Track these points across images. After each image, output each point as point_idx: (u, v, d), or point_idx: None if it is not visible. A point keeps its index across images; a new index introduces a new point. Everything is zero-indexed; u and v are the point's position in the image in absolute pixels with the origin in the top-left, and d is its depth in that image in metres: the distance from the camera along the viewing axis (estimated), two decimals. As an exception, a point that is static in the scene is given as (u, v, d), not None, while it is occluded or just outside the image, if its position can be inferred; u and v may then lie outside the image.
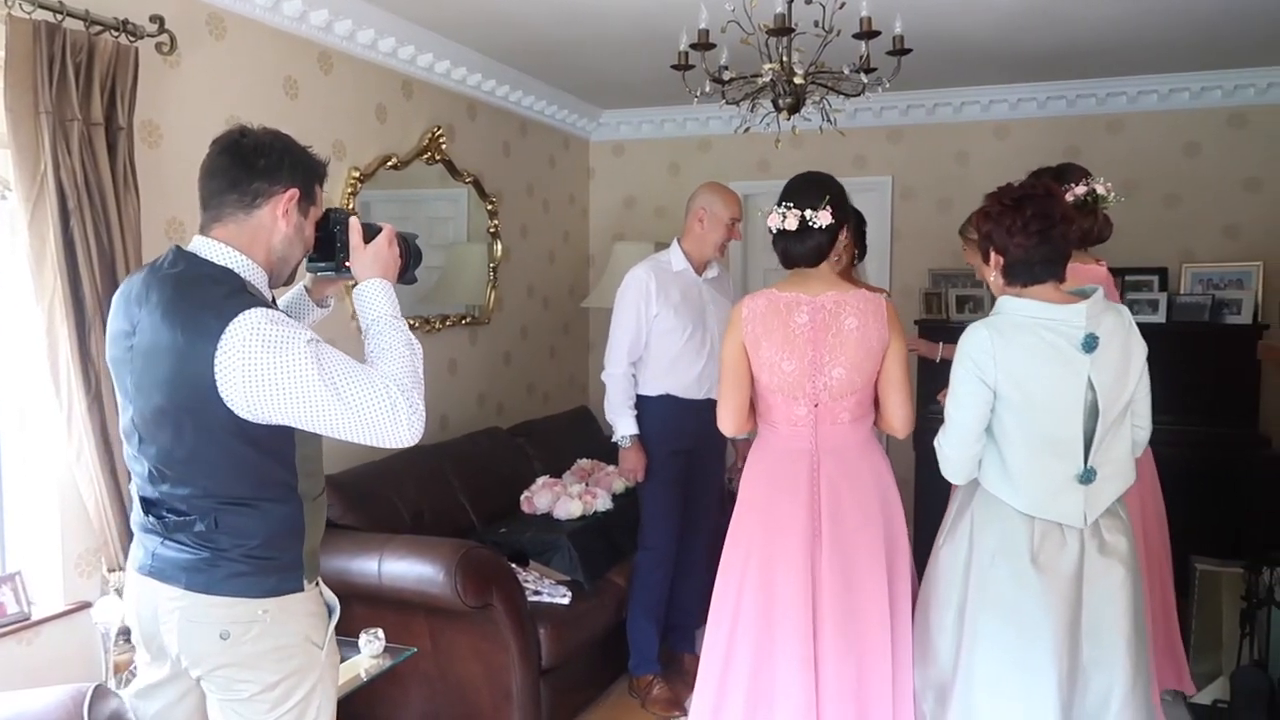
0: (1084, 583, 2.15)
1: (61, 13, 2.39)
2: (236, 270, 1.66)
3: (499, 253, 4.68)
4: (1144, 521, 2.88)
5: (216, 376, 1.54)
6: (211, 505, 1.63)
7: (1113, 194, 2.94)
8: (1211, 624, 3.59)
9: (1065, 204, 2.19)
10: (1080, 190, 2.89)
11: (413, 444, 1.66)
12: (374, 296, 1.77)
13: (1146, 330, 2.25)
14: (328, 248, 1.84)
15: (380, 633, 2.73)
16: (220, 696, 1.71)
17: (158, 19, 2.70)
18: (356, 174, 3.66)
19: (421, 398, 1.67)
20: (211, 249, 1.67)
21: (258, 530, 1.66)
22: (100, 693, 1.87)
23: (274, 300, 1.78)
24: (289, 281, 1.84)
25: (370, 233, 1.84)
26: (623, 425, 3.45)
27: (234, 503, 1.64)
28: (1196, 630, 3.57)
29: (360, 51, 3.68)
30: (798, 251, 2.47)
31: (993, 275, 2.24)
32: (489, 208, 4.60)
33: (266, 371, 1.53)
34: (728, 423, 2.55)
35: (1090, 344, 2.08)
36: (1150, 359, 2.22)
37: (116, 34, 2.53)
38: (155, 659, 1.78)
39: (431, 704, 3.05)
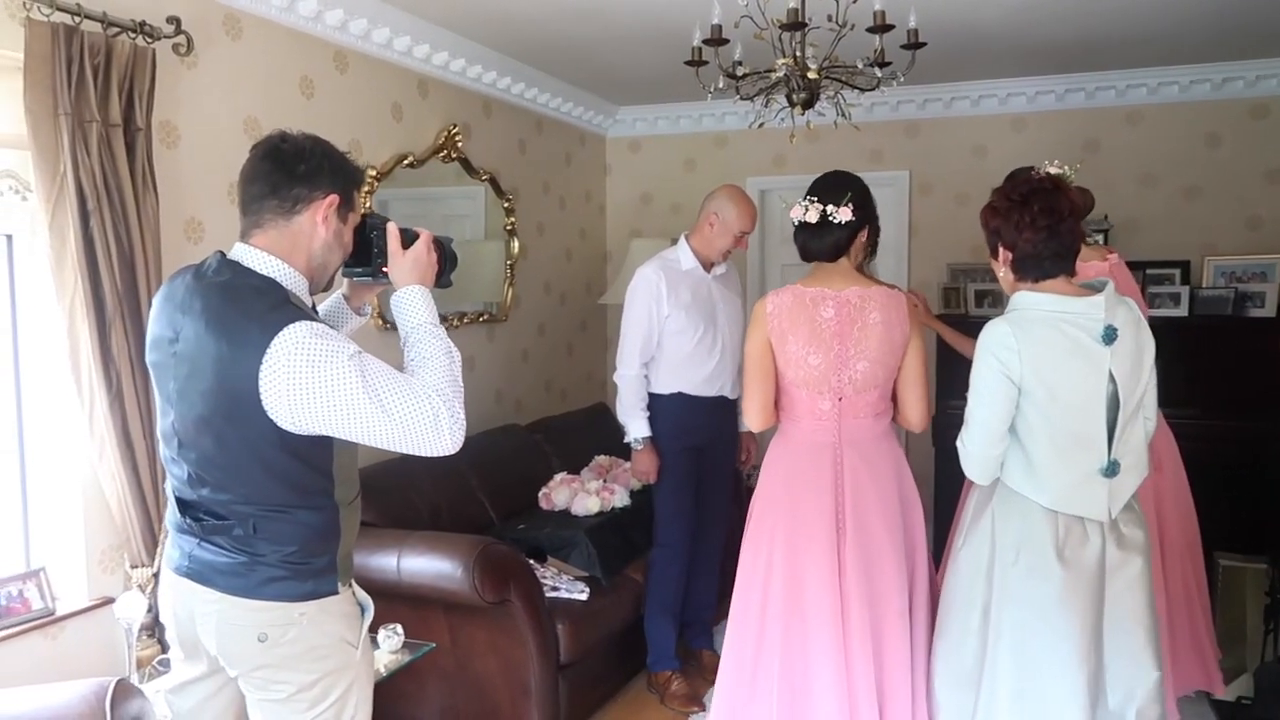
0: (1105, 576, 2.14)
1: (80, 15, 2.41)
2: (280, 280, 1.67)
3: (516, 250, 4.69)
4: (1161, 518, 2.85)
5: (261, 389, 1.55)
6: (250, 511, 1.64)
7: (1067, 168, 2.96)
8: (1235, 620, 3.56)
9: (1074, 198, 2.17)
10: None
11: (454, 453, 1.67)
12: (413, 303, 1.77)
13: (1169, 324, 2.24)
14: (365, 254, 1.84)
15: (399, 628, 2.74)
16: (258, 696, 1.74)
17: (174, 20, 2.72)
18: (373, 173, 3.68)
19: (462, 406, 1.68)
20: (255, 258, 1.68)
21: (295, 536, 1.67)
22: (122, 687, 1.90)
23: (314, 307, 1.78)
24: (327, 287, 1.85)
25: (408, 238, 1.84)
26: (635, 427, 3.45)
27: (273, 510, 1.65)
28: (1220, 626, 3.54)
29: (375, 51, 3.69)
30: (816, 245, 2.51)
31: (1002, 271, 2.23)
32: (505, 205, 4.61)
33: (312, 386, 1.54)
34: (754, 418, 2.58)
35: (1110, 336, 2.07)
36: (1172, 353, 2.21)
37: (134, 36, 2.55)
38: (190, 657, 1.80)
39: (450, 699, 3.06)
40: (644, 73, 4.66)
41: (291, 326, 1.56)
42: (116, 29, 2.51)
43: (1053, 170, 2.86)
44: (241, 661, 1.70)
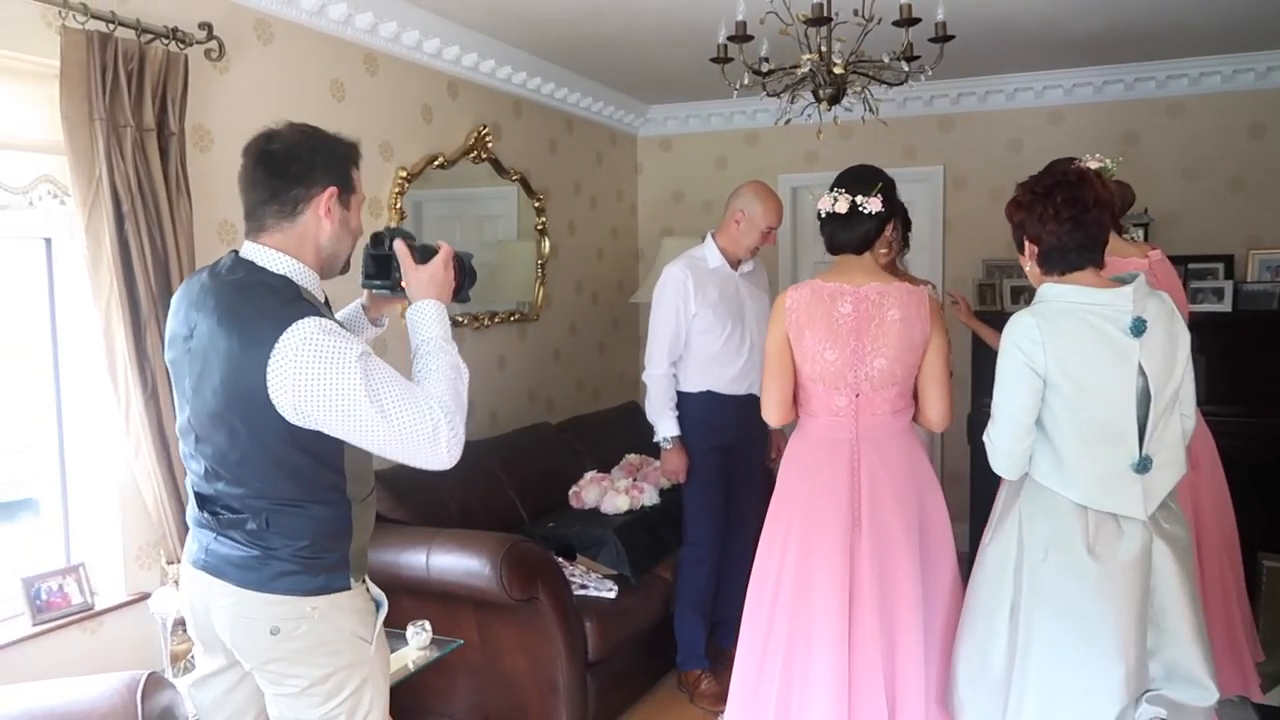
0: (1144, 572, 2.09)
1: (114, 23, 2.46)
2: (291, 277, 1.70)
3: (547, 250, 4.71)
4: (1198, 516, 2.79)
5: (269, 383, 1.57)
6: (263, 506, 1.67)
7: (1109, 161, 2.90)
8: (1279, 622, 3.47)
9: (1099, 189, 2.13)
10: None
11: (448, 468, 1.68)
12: (427, 318, 1.78)
13: (1212, 319, 2.18)
14: (384, 267, 1.87)
15: (427, 624, 2.77)
16: (274, 691, 1.76)
17: (206, 26, 2.77)
18: (404, 174, 3.71)
19: (463, 422, 1.69)
20: (265, 256, 1.71)
21: (307, 531, 1.69)
22: (153, 680, 1.93)
23: (327, 303, 1.81)
24: (344, 270, 1.87)
25: (426, 253, 1.85)
26: (664, 426, 3.45)
27: (285, 504, 1.68)
28: (1264, 628, 3.45)
29: (405, 53, 3.73)
30: (844, 237, 2.49)
31: (1029, 265, 2.19)
32: (536, 205, 4.63)
33: (315, 380, 1.56)
34: (772, 413, 2.57)
35: (1139, 328, 2.03)
36: (1216, 349, 2.16)
37: (166, 42, 2.60)
38: (209, 650, 1.84)
39: (479, 695, 3.08)
40: (673, 71, 4.65)
41: (301, 322, 1.58)
42: (150, 35, 2.56)
43: (1093, 165, 2.81)
44: (255, 655, 1.73)
